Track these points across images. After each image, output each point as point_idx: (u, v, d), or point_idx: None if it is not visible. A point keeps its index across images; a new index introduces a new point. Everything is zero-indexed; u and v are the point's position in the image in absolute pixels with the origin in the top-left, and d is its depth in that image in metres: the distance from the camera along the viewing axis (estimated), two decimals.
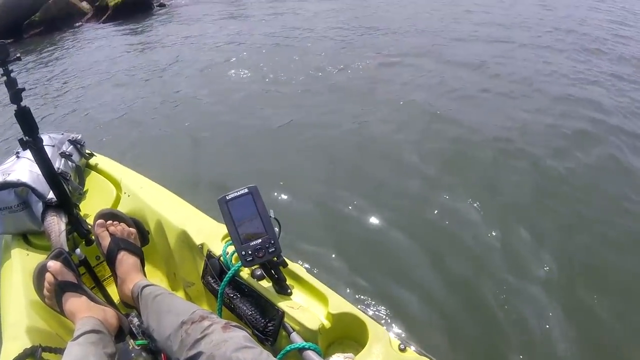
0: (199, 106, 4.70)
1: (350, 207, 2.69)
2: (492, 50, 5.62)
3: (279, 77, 5.19)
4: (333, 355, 1.08)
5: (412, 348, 1.03)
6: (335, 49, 6.00)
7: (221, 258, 1.26)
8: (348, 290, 2.05)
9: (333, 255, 2.31)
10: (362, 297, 2.02)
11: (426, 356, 1.00)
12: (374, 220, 2.57)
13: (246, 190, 1.09)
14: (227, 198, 1.08)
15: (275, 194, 2.89)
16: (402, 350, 1.01)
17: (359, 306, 1.14)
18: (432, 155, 3.24)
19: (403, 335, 1.23)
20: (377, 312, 1.91)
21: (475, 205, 2.62)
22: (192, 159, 3.65)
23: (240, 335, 0.99)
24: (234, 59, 6.02)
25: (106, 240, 1.44)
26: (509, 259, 2.24)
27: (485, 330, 1.89)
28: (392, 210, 2.64)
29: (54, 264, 1.29)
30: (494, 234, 2.40)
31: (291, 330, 1.08)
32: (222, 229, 1.38)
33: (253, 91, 4.87)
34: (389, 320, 1.88)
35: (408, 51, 5.70)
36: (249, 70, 5.45)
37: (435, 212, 2.60)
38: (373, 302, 1.98)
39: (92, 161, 2.06)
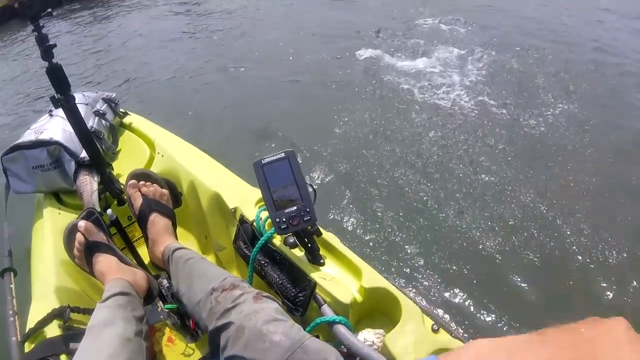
0: (242, 74, 4.63)
1: (391, 181, 2.62)
2: None
3: (332, 44, 5.02)
4: (363, 331, 1.04)
5: (445, 330, 0.98)
6: None
7: (254, 224, 1.23)
8: (382, 266, 2.01)
9: (369, 228, 2.27)
10: (397, 273, 1.98)
11: (459, 339, 0.95)
12: (416, 195, 2.49)
13: (283, 154, 1.03)
14: (263, 162, 1.03)
15: (311, 160, 2.83)
16: (435, 331, 0.97)
17: (393, 282, 1.09)
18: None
19: (437, 316, 1.17)
20: (411, 290, 1.87)
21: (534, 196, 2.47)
22: (229, 122, 3.64)
23: (271, 307, 0.97)
24: (290, 29, 5.79)
25: (138, 201, 1.43)
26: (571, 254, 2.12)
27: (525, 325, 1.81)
28: (437, 188, 2.55)
29: (84, 224, 1.28)
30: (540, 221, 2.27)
31: (322, 302, 1.05)
32: (256, 194, 1.35)
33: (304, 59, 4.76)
34: (423, 300, 1.84)
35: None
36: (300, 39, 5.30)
37: (483, 195, 2.50)
38: (408, 279, 1.94)
39: (126, 120, 2.05)
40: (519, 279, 1.97)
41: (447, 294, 1.89)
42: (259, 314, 0.93)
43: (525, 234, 2.20)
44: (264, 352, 0.85)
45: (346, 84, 3.99)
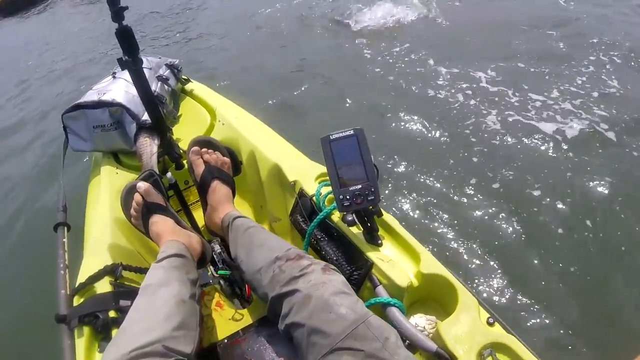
0: (313, 50, 4.55)
1: (457, 169, 2.53)
2: None
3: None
4: (415, 316, 1.03)
5: (501, 325, 0.95)
6: None
7: (313, 198, 1.23)
8: (441, 252, 1.98)
9: (431, 213, 2.23)
10: (455, 262, 1.94)
11: (513, 335, 0.92)
12: (484, 190, 2.38)
13: (351, 132, 1.02)
14: (331, 138, 1.02)
15: (379, 136, 2.80)
16: (490, 324, 0.94)
17: (451, 270, 1.07)
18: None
19: (493, 310, 1.14)
20: (469, 281, 1.83)
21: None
22: (296, 97, 3.63)
23: (339, 280, 0.97)
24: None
25: (200, 168, 1.44)
26: None
27: (589, 328, 1.72)
28: (505, 182, 2.43)
29: (143, 185, 1.30)
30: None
31: (377, 283, 1.04)
32: (316, 169, 1.35)
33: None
34: (480, 290, 1.80)
35: None
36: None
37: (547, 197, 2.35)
38: (467, 270, 1.90)
39: (188, 87, 2.07)
40: (600, 289, 1.85)
41: (508, 289, 1.83)
42: (327, 284, 0.93)
43: (613, 241, 2.05)
44: (329, 322, 0.86)
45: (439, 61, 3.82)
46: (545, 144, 2.66)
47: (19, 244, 2.73)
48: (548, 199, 2.25)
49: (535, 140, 2.70)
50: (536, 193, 2.30)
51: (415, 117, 3.04)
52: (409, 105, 3.19)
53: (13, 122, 4.64)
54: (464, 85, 3.43)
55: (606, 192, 2.25)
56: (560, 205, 2.21)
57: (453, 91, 3.38)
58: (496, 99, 3.20)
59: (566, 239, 2.05)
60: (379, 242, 1.10)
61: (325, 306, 0.88)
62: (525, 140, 2.72)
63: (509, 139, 2.74)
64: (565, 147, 2.62)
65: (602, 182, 2.30)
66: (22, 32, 9.26)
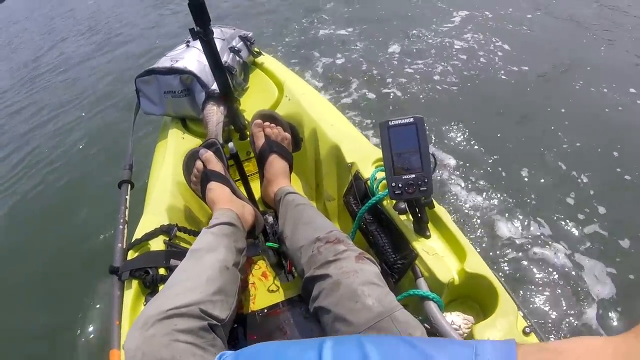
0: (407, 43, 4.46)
1: (519, 169, 2.44)
2: None
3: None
4: (452, 313, 1.01)
5: (537, 336, 0.92)
6: None
7: (368, 182, 1.22)
8: (488, 253, 1.93)
9: (485, 210, 2.17)
10: (502, 265, 1.88)
11: None
12: (542, 194, 2.28)
13: (411, 119, 1.00)
14: (390, 124, 1.01)
15: (440, 127, 2.73)
16: (526, 334, 0.90)
17: (495, 273, 1.04)
18: None
19: (532, 319, 1.08)
20: (512, 287, 1.77)
21: None
22: (362, 80, 3.61)
23: (371, 270, 0.96)
24: None
25: (260, 140, 1.47)
26: None
27: None
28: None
29: (206, 152, 1.35)
30: None
31: (420, 275, 1.03)
32: (375, 153, 1.34)
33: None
34: (522, 299, 1.73)
35: None
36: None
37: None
38: (512, 276, 1.84)
39: (259, 60, 2.09)
40: None
41: (553, 303, 1.76)
42: (358, 273, 0.93)
43: None
44: (354, 312, 0.85)
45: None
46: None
47: (87, 197, 2.96)
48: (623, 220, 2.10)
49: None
50: (614, 212, 2.16)
51: (486, 119, 2.93)
52: (479, 106, 3.09)
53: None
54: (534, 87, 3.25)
55: None
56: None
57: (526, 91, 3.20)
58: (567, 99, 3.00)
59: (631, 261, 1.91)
60: (427, 234, 1.09)
61: (353, 295, 0.88)
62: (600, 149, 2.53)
63: (584, 144, 2.57)
64: None
65: None
66: None
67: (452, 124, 2.83)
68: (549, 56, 3.63)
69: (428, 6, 5.05)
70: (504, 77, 3.42)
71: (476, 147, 2.63)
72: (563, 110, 2.89)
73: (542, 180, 2.35)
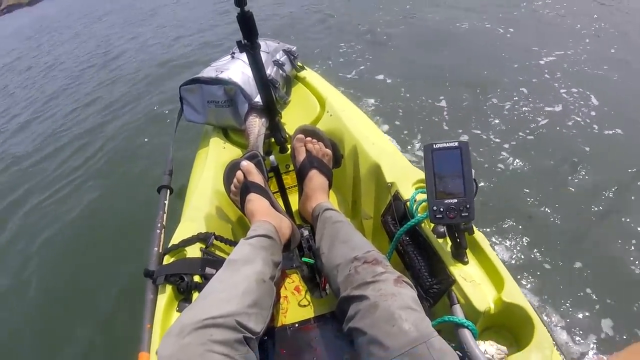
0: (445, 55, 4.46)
1: (570, 201, 2.36)
2: None
3: None
4: (486, 342, 0.98)
5: None
6: None
7: (407, 203, 1.21)
8: (525, 282, 1.87)
9: (526, 240, 2.10)
10: (540, 296, 1.82)
11: None
12: (595, 225, 2.19)
13: (456, 144, 0.99)
14: (434, 147, 1.00)
15: (482, 152, 2.68)
16: None
17: (532, 304, 1.00)
18: None
19: (569, 354, 1.04)
20: (549, 320, 1.71)
21: None
22: (410, 102, 3.56)
23: (409, 294, 0.94)
24: None
25: (301, 155, 1.48)
26: None
27: None
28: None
29: (247, 164, 1.37)
30: None
31: (456, 301, 1.01)
32: (415, 174, 1.33)
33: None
34: (559, 331, 1.67)
35: None
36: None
37: None
38: (551, 308, 1.78)
39: (302, 74, 2.12)
40: None
41: (591, 339, 1.68)
42: (396, 297, 0.91)
43: None
44: (390, 336, 0.84)
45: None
46: None
47: (127, 199, 3.05)
48: None
49: None
50: None
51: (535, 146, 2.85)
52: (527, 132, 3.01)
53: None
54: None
55: None
56: None
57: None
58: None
59: None
60: (465, 259, 1.07)
61: (390, 318, 0.86)
62: None
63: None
64: None
65: None
66: None
67: (504, 154, 2.77)
68: None
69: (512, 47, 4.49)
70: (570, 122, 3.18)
71: (527, 174, 2.57)
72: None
73: (594, 218, 2.25)
